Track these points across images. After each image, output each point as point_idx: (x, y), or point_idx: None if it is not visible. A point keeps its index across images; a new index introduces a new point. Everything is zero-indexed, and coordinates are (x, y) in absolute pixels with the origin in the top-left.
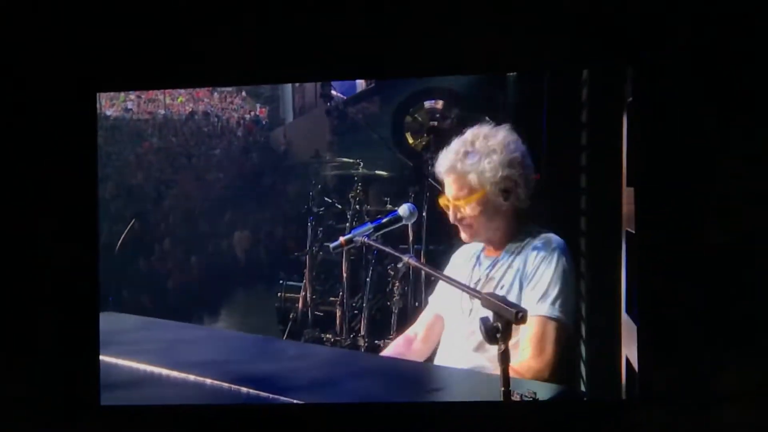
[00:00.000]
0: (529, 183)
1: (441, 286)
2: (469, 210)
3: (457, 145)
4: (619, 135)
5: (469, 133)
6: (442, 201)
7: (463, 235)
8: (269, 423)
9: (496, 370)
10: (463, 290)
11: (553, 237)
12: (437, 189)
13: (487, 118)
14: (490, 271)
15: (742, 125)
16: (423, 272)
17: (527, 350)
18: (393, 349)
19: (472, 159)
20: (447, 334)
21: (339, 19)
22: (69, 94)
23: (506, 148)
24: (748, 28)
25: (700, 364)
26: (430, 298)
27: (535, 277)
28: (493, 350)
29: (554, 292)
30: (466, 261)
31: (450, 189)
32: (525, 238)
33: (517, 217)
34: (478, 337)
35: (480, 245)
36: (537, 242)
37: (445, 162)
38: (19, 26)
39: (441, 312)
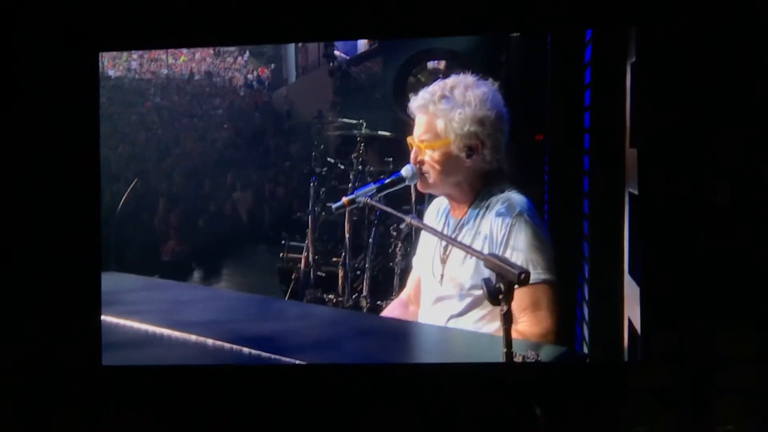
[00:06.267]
0: (499, 145)
1: (421, 248)
2: (428, 156)
3: (436, 86)
4: (623, 95)
5: (452, 79)
6: (409, 139)
7: (420, 184)
8: (271, 383)
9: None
10: (466, 251)
11: (515, 198)
12: None
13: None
14: (458, 234)
15: (745, 86)
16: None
17: (525, 322)
18: (390, 312)
19: (446, 104)
20: (422, 298)
21: None
22: (72, 54)
23: (482, 103)
24: None
25: (702, 326)
26: (414, 260)
27: (509, 246)
28: (463, 321)
29: (532, 256)
30: (436, 220)
31: (418, 128)
32: (488, 198)
33: (481, 177)
34: (448, 303)
35: (445, 202)
36: (500, 207)
37: (419, 100)
38: None
39: (419, 274)
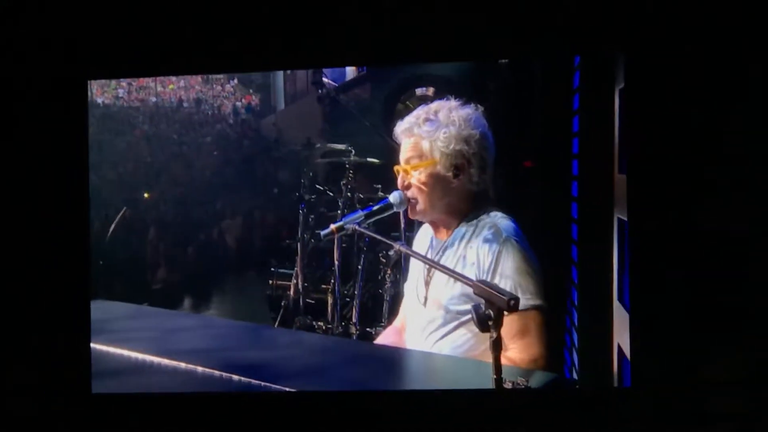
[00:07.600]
0: (485, 165)
1: (411, 274)
2: (416, 178)
3: (420, 110)
4: (611, 122)
5: (436, 103)
6: (396, 167)
7: (409, 211)
8: (260, 411)
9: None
10: (455, 277)
11: (501, 223)
12: None
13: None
14: (441, 255)
15: (735, 112)
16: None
17: (514, 348)
18: (384, 339)
19: (430, 126)
20: (408, 322)
21: (331, 5)
22: (60, 82)
23: (466, 123)
24: (741, 14)
25: (691, 351)
26: (405, 286)
27: (497, 272)
28: (448, 342)
29: (521, 281)
30: (422, 244)
31: (404, 152)
32: (474, 221)
33: (468, 199)
34: (433, 326)
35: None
36: (486, 233)
37: (405, 124)
38: (8, 14)
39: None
